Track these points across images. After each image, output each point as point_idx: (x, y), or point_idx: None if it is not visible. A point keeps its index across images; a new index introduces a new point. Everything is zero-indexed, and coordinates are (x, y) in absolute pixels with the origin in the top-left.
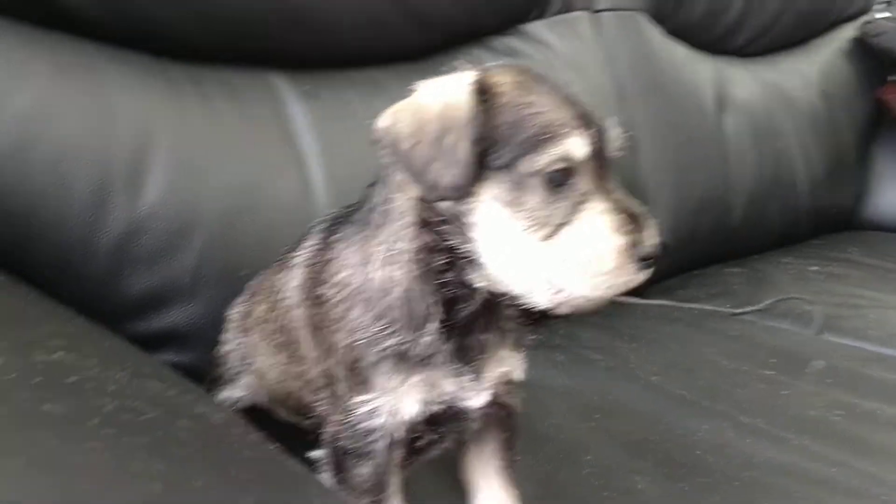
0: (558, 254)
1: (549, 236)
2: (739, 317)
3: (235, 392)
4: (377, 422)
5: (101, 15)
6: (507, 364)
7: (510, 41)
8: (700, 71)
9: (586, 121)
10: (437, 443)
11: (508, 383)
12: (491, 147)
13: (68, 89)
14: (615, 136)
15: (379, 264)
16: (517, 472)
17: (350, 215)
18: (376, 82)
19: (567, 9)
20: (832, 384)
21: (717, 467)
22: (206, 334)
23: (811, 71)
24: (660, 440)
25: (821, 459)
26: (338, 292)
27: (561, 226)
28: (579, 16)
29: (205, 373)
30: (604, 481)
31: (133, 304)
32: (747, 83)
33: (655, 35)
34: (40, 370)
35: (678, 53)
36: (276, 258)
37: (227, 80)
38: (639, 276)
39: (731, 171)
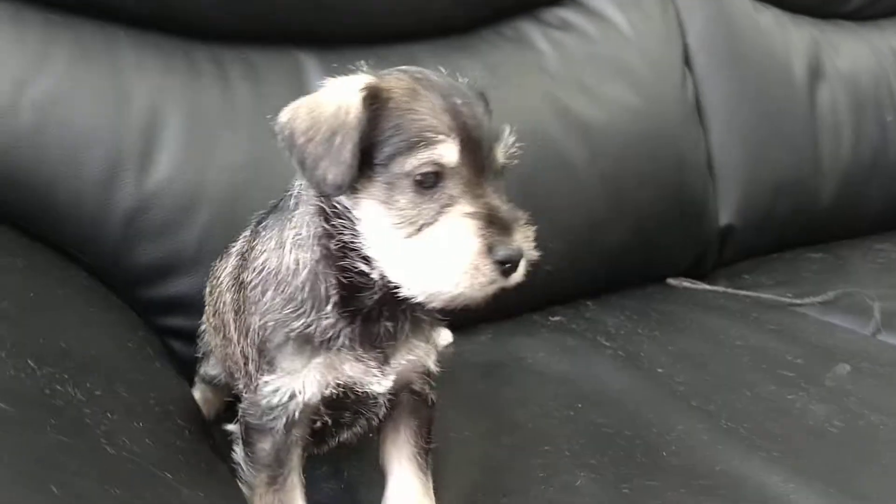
0: (419, 251)
1: (413, 234)
2: (795, 308)
3: (210, 369)
4: (277, 400)
5: None
6: (418, 353)
7: (563, 13)
8: (792, 38)
9: (464, 129)
10: (345, 426)
11: (422, 372)
12: (374, 148)
13: (86, 73)
14: (506, 146)
15: (289, 247)
16: (470, 455)
17: (278, 204)
18: (413, 59)
19: None
20: (847, 392)
21: (674, 471)
22: None
23: None
24: (631, 436)
25: (786, 474)
26: (256, 276)
27: (425, 225)
28: None
29: None
30: (548, 474)
31: (142, 273)
32: (853, 50)
33: (739, 0)
34: None
35: (765, 19)
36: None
37: (249, 59)
38: (501, 280)
39: (821, 148)
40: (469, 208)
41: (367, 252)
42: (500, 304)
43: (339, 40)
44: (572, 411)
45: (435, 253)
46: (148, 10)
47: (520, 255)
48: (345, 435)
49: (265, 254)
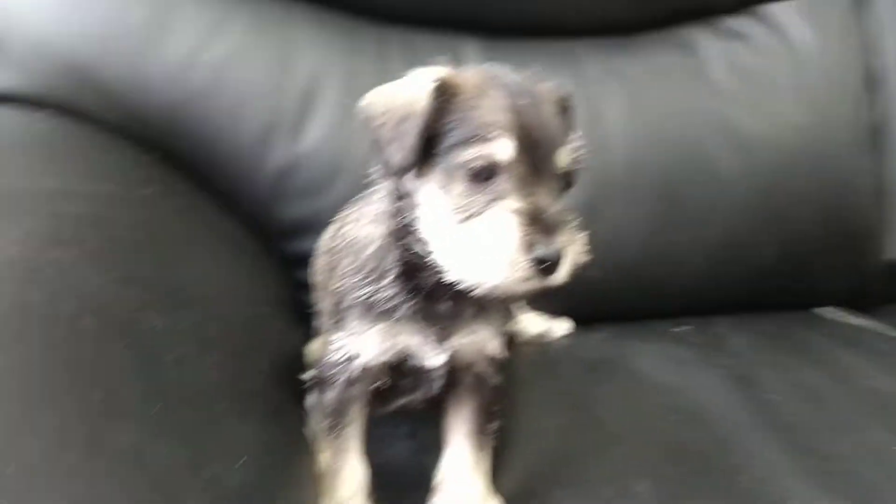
0: (464, 240)
1: (462, 222)
2: None
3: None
4: (339, 357)
5: None
6: (479, 337)
7: (740, 23)
8: None
9: (522, 129)
10: (405, 392)
11: (485, 356)
12: (439, 137)
13: (257, 42)
14: (570, 151)
15: (365, 222)
16: (541, 444)
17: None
18: (572, 54)
19: None
20: None
21: (741, 498)
22: None
23: None
24: (712, 456)
25: None
26: (341, 243)
27: (473, 216)
28: None
29: None
30: (611, 475)
31: (287, 228)
32: None
33: None
34: None
35: None
36: None
37: (412, 42)
38: (539, 278)
39: None
40: (515, 205)
41: (423, 234)
42: (625, 307)
43: (502, 30)
44: (661, 421)
45: (476, 243)
46: None
47: (557, 256)
48: (403, 400)
49: (349, 225)
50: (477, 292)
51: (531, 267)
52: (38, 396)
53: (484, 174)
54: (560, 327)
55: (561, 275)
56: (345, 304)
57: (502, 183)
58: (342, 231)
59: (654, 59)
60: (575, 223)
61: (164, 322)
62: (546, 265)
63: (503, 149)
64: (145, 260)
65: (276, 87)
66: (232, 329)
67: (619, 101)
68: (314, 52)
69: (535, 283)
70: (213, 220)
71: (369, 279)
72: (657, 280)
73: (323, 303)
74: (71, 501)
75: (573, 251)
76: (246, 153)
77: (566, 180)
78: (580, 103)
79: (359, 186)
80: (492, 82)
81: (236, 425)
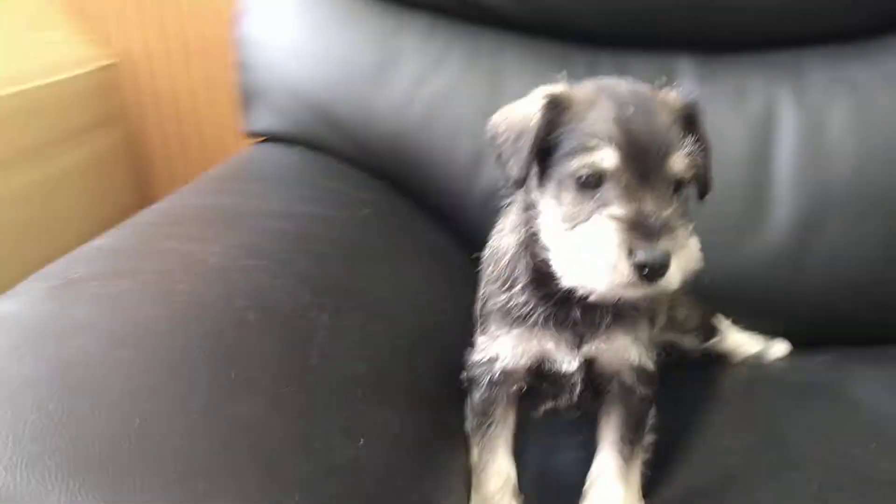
0: (572, 246)
1: (570, 229)
2: None
3: None
4: (481, 358)
5: (513, 8)
6: (618, 344)
7: None
8: None
9: (628, 136)
10: (547, 397)
11: (629, 365)
12: (553, 150)
13: (471, 75)
14: (683, 157)
15: (505, 232)
16: (710, 461)
17: None
18: (794, 64)
19: None
20: None
21: None
22: None
23: None
24: (891, 484)
25: None
26: (487, 252)
27: (580, 223)
28: None
29: None
30: (776, 497)
31: None
32: None
33: None
34: None
35: None
36: None
37: (624, 63)
38: (643, 284)
39: None
40: (618, 211)
41: (544, 242)
42: (853, 330)
43: (719, 45)
44: (858, 448)
45: (582, 249)
46: (534, 18)
47: (657, 261)
48: (548, 406)
49: (493, 236)
50: (592, 298)
51: (633, 272)
52: (180, 370)
53: (591, 183)
54: (777, 349)
55: (669, 280)
56: (486, 309)
57: (608, 191)
58: (488, 242)
59: (887, 65)
60: (686, 228)
61: (329, 319)
62: (648, 270)
63: (606, 157)
64: (332, 269)
65: (485, 115)
66: (398, 330)
67: (845, 111)
68: (523, 80)
69: (642, 289)
70: (424, 237)
71: (505, 286)
72: (889, 302)
73: None
74: (171, 452)
75: (683, 256)
76: (458, 177)
77: (682, 186)
78: (800, 115)
79: None
80: (601, 93)
81: (369, 411)
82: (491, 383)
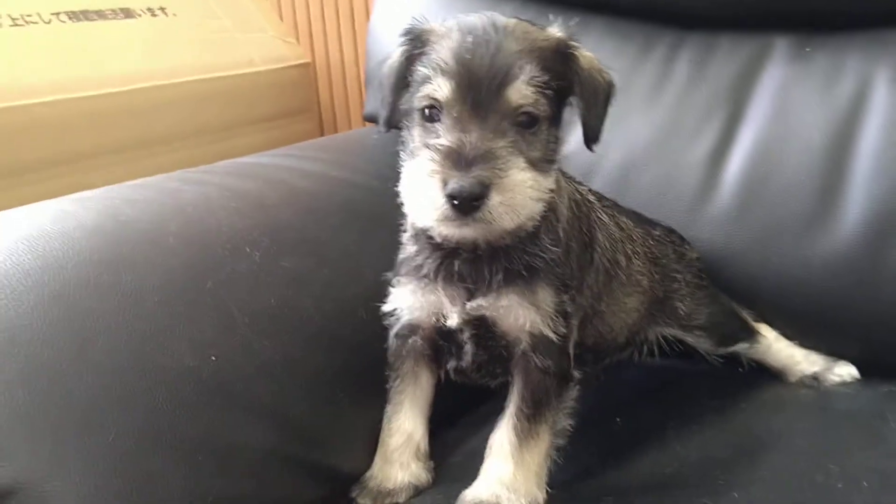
0: (405, 180)
1: (408, 164)
2: None
3: None
4: (389, 310)
5: None
6: (506, 303)
7: None
8: None
9: (463, 67)
10: (449, 356)
11: (529, 332)
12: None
13: None
14: (523, 87)
15: None
16: (649, 455)
17: None
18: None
19: None
20: None
21: None
22: None
23: None
24: None
25: None
26: None
27: (414, 156)
28: None
29: None
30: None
31: None
32: None
33: None
34: None
35: None
36: None
37: (714, 44)
38: (457, 215)
39: None
40: (440, 142)
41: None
42: None
43: (819, 23)
44: (841, 483)
45: (410, 183)
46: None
47: (465, 190)
48: (450, 365)
49: None
50: (447, 243)
51: (446, 204)
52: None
53: (433, 115)
54: (840, 371)
55: (492, 215)
56: (398, 259)
57: (443, 121)
58: None
59: None
60: (518, 161)
61: (259, 257)
62: (461, 201)
63: (440, 87)
64: (311, 221)
65: None
66: (342, 280)
67: None
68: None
69: (464, 225)
70: None
71: (407, 236)
72: None
73: None
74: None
75: (507, 189)
76: None
77: (535, 121)
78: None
79: (608, 189)
80: (455, 26)
81: (258, 344)
82: (397, 336)
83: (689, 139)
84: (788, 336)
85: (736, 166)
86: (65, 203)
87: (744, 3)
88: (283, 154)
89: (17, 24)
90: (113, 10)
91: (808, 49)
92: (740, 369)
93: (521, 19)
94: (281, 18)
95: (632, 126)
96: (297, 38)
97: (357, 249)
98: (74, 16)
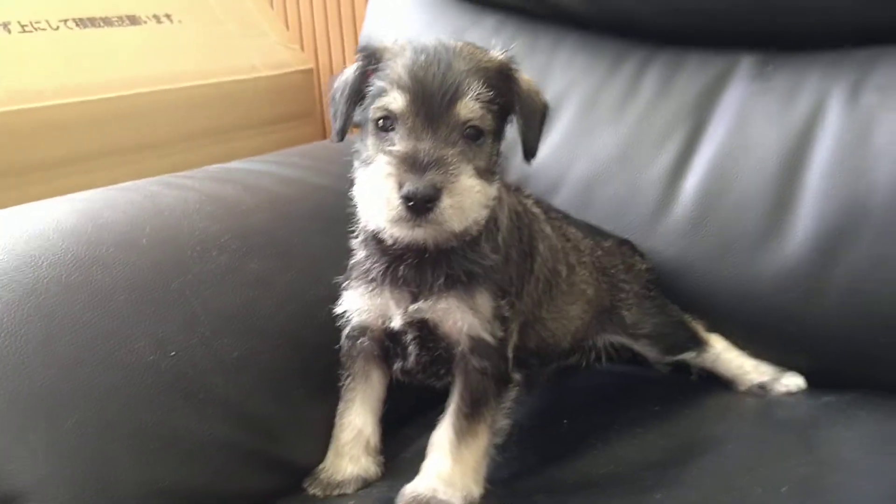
0: (360, 184)
1: (363, 170)
2: None
3: None
4: (341, 312)
5: (586, 9)
6: (446, 306)
7: None
8: None
9: (416, 82)
10: (396, 357)
11: (465, 335)
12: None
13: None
14: (470, 103)
15: None
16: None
17: None
18: (873, 64)
19: None
20: None
21: None
22: None
23: None
24: None
25: None
26: None
27: (369, 162)
28: None
29: None
30: None
31: None
32: None
33: None
34: None
35: None
36: None
37: (682, 60)
38: (411, 216)
39: None
40: (396, 148)
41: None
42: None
43: (785, 43)
44: (760, 487)
45: (366, 186)
46: (597, 15)
47: (420, 192)
48: (397, 366)
49: None
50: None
51: (401, 205)
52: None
53: (387, 126)
54: (788, 381)
55: (444, 217)
56: (350, 263)
57: (397, 132)
58: None
59: None
60: (467, 168)
61: (227, 260)
62: (415, 203)
63: (395, 100)
64: (282, 225)
65: None
66: (305, 282)
67: None
68: (568, 74)
69: (416, 227)
70: None
71: (358, 241)
72: None
73: None
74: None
75: (457, 192)
76: None
77: (481, 134)
78: (849, 117)
79: (575, 201)
80: (408, 45)
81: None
82: (348, 337)
83: (652, 153)
84: (741, 346)
85: (694, 181)
86: (52, 204)
87: (712, 21)
88: (267, 160)
89: (25, 31)
90: (119, 18)
91: (770, 67)
92: (692, 377)
93: (467, 42)
94: (287, 26)
95: (597, 140)
96: (302, 45)
97: (324, 253)
98: (81, 22)
